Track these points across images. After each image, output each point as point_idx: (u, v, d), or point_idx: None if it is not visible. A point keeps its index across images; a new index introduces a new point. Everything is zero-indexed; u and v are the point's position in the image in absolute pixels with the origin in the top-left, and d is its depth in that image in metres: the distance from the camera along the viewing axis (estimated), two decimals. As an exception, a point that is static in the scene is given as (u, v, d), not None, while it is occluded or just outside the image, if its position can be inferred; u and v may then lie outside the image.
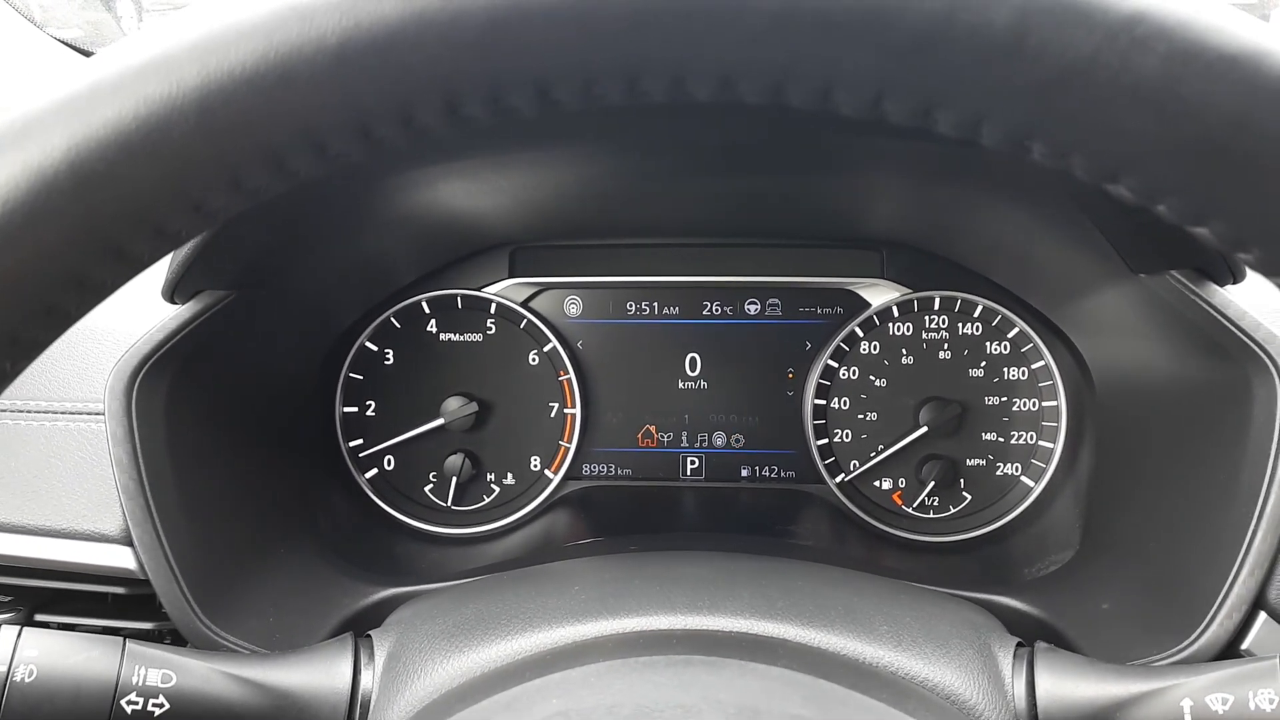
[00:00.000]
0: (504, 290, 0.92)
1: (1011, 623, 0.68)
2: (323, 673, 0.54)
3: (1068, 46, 0.26)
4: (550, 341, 0.91)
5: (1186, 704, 0.49)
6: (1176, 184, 0.28)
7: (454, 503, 0.92)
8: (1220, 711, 0.48)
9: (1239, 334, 0.62)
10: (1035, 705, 0.51)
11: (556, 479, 0.92)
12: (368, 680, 0.53)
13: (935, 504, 0.91)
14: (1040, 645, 0.55)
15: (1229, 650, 0.59)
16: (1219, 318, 0.63)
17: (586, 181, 0.80)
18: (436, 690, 0.50)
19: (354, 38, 0.26)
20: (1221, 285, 0.65)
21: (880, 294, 0.91)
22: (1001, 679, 0.52)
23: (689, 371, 0.94)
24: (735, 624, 0.52)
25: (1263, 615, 0.60)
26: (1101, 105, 0.27)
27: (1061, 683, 0.52)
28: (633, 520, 0.92)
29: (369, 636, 0.56)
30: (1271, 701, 0.48)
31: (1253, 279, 0.68)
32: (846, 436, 0.92)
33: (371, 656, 0.54)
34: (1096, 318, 0.79)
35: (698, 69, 0.28)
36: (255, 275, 0.71)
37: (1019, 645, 0.55)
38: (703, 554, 0.67)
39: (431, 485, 0.93)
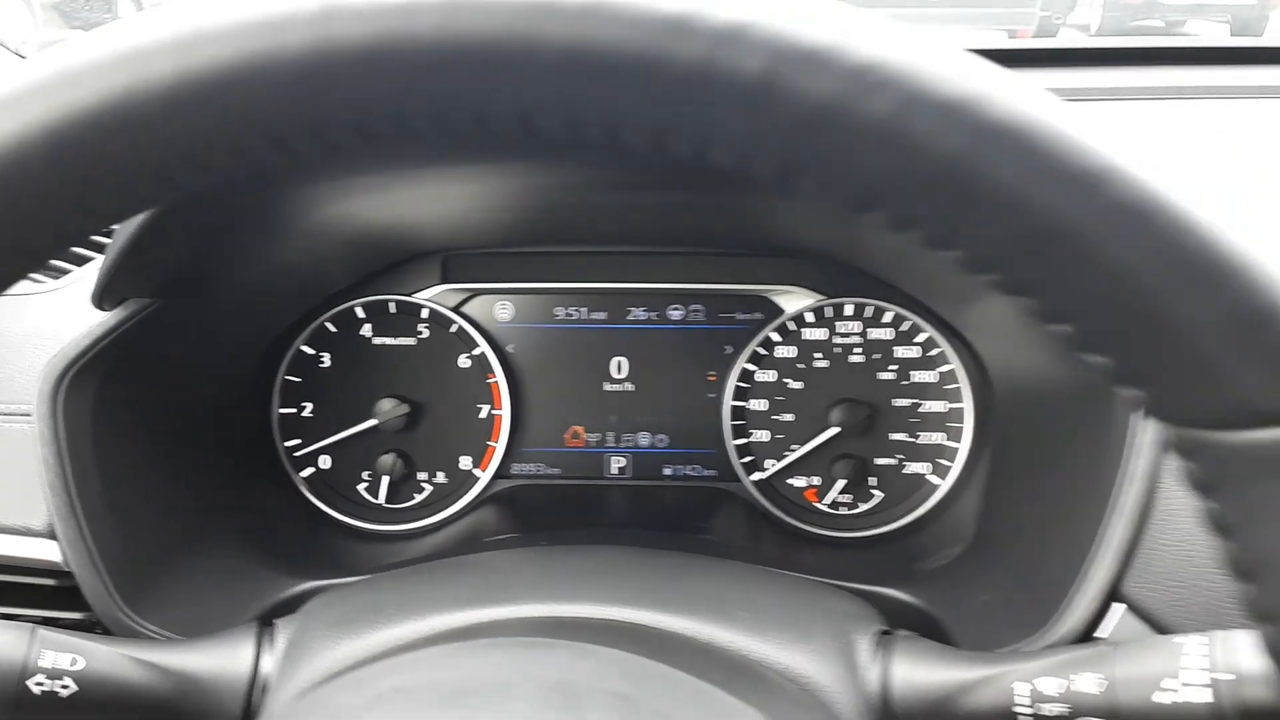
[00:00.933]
0: (436, 296, 0.96)
1: (898, 614, 0.72)
2: (225, 657, 0.57)
3: (810, 91, 0.29)
4: (479, 345, 0.95)
5: (1018, 686, 0.52)
6: (918, 216, 0.32)
7: (387, 500, 0.96)
8: (1049, 693, 0.52)
9: None
10: (887, 689, 0.55)
11: (486, 478, 0.96)
12: (269, 665, 0.57)
13: (848, 501, 0.95)
14: (901, 633, 0.59)
15: (1084, 640, 0.63)
16: None
17: (513, 194, 0.84)
18: (325, 674, 0.54)
19: (185, 80, 0.30)
20: None
21: (796, 300, 0.95)
22: (856, 664, 0.55)
23: (615, 374, 0.97)
24: (596, 610, 0.56)
25: (1120, 606, 0.64)
26: (845, 146, 0.30)
27: (915, 669, 0.55)
28: (559, 517, 0.95)
29: (274, 624, 0.60)
30: (1098, 684, 0.51)
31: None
32: (764, 436, 0.96)
33: (275, 642, 0.58)
34: (992, 324, 0.83)
35: (496, 110, 0.31)
36: (180, 284, 0.74)
37: (883, 633, 0.59)
38: (601, 547, 0.71)
39: (365, 484, 0.96)
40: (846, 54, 0.29)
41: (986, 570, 0.76)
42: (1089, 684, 0.51)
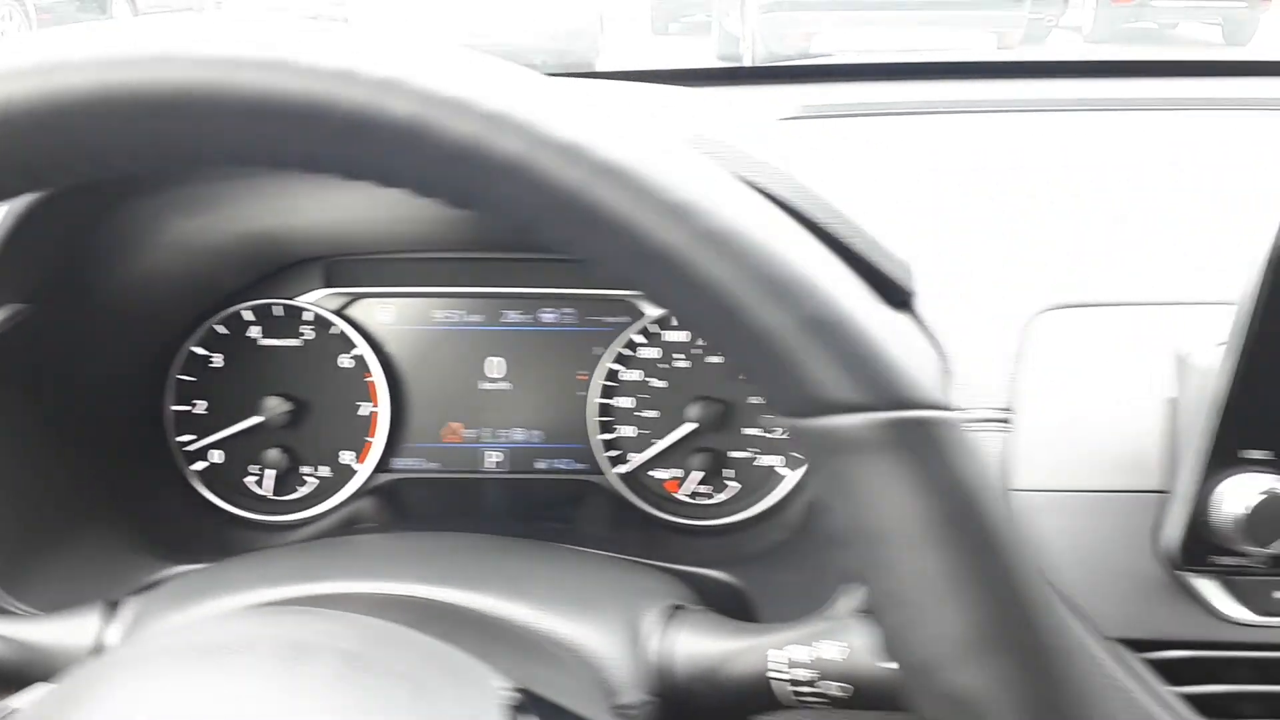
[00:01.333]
0: (319, 300, 1.01)
1: (720, 593, 0.78)
2: (72, 630, 0.63)
3: (454, 133, 0.35)
4: (358, 346, 1.01)
5: (773, 653, 0.58)
6: (565, 240, 0.38)
7: (274, 493, 1.02)
8: (800, 659, 0.58)
9: None
10: (668, 659, 0.60)
11: (365, 472, 1.02)
12: (114, 636, 0.63)
13: (706, 492, 1.00)
14: (691, 608, 0.64)
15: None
16: None
17: (390, 204, 0.90)
18: None
19: None
20: (893, 306, 0.75)
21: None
22: (639, 636, 0.61)
23: (491, 373, 1.03)
24: (396, 587, 0.61)
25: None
26: (490, 179, 0.36)
27: (694, 640, 0.61)
28: (437, 509, 1.01)
29: (124, 600, 0.66)
30: (840, 651, 0.57)
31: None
32: (630, 432, 1.01)
33: (122, 616, 0.64)
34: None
35: (207, 151, 0.37)
36: (54, 290, 0.80)
37: (675, 608, 0.64)
38: (439, 534, 0.76)
39: (253, 477, 1.02)
40: (482, 102, 0.35)
41: (797, 554, 0.81)
42: (832, 651, 0.57)
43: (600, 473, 1.02)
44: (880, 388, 0.37)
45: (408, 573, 0.64)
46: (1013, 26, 8.91)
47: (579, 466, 1.03)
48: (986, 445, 0.74)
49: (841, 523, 0.39)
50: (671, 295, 0.39)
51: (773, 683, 0.58)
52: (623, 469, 1.01)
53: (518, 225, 0.38)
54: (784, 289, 0.37)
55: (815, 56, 1.32)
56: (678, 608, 0.64)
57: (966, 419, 0.38)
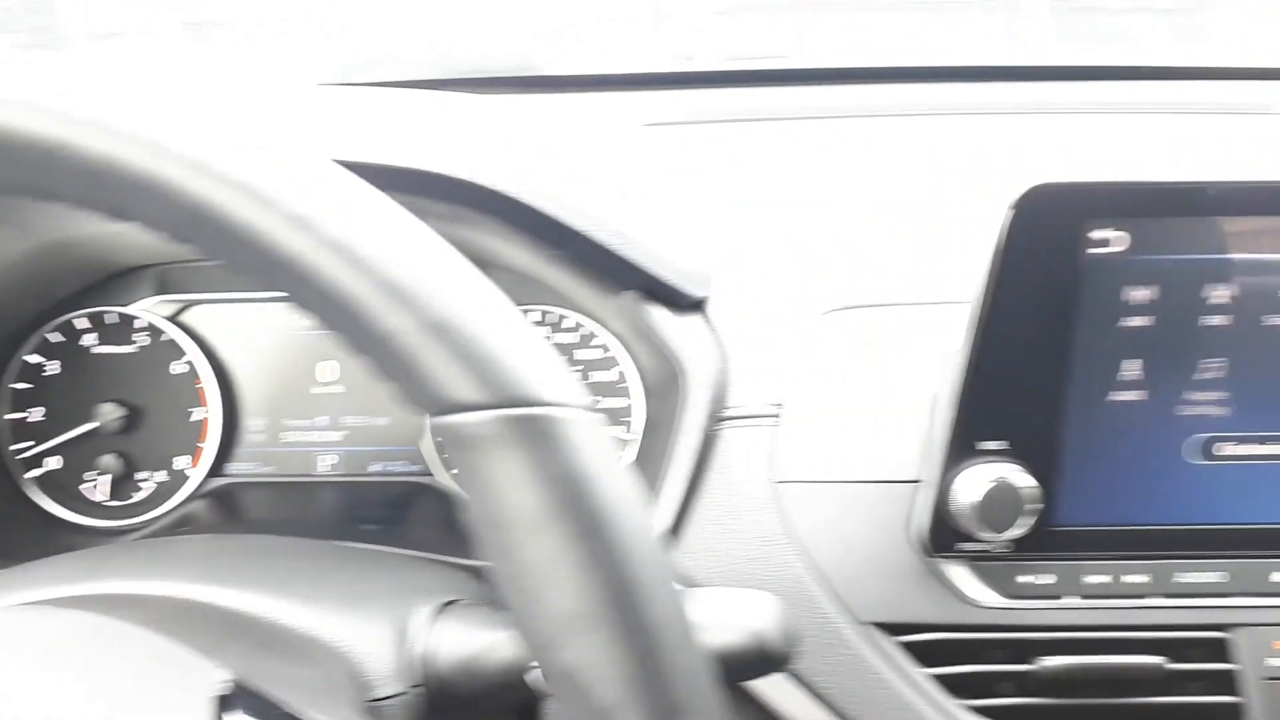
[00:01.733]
0: (152, 307, 1.02)
1: None
2: None
3: (92, 151, 0.38)
4: (187, 353, 1.02)
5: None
6: (212, 249, 0.40)
7: (111, 498, 1.03)
8: None
9: (664, 345, 0.75)
10: (432, 651, 0.61)
11: (199, 477, 1.03)
12: None
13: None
14: (465, 602, 0.66)
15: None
16: (653, 331, 0.76)
17: None
18: None
19: None
20: (675, 310, 0.80)
21: (487, 307, 1.02)
22: (406, 630, 0.63)
23: (326, 377, 1.05)
24: (153, 586, 0.63)
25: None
26: (131, 194, 0.38)
27: (462, 632, 0.63)
28: (271, 512, 1.02)
29: None
30: None
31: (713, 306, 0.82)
32: None
33: None
34: (629, 328, 0.91)
35: None
36: None
37: (447, 603, 0.66)
38: (236, 536, 0.78)
39: (89, 483, 1.03)
40: (112, 122, 0.38)
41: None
42: None
43: (431, 474, 1.04)
44: (495, 386, 0.40)
45: (180, 573, 0.66)
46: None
47: (413, 468, 1.05)
48: (759, 439, 0.77)
49: (471, 511, 0.42)
50: (308, 301, 0.41)
51: (528, 672, 0.60)
52: (455, 470, 1.03)
53: (171, 237, 0.41)
54: (403, 294, 0.40)
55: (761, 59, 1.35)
56: (450, 602, 0.66)
57: (583, 414, 0.41)
